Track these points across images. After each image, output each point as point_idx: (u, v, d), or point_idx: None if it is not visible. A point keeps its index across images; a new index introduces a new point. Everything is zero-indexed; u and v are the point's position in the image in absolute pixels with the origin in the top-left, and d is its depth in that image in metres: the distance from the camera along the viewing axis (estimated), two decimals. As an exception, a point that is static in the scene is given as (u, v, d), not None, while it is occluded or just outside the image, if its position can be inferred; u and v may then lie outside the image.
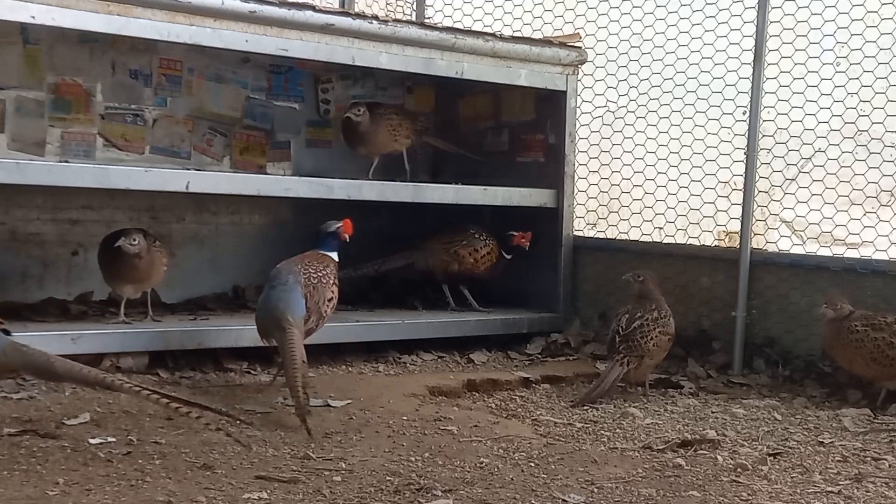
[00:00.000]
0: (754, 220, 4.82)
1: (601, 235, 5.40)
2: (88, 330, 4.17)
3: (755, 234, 4.84)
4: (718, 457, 3.41)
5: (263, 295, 4.06)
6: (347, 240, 4.32)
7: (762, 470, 3.29)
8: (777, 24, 4.77)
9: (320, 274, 4.08)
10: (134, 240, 4.25)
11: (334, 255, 4.24)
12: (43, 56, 4.76)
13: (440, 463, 3.26)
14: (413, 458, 3.28)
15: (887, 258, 4.52)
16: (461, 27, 5.43)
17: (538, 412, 4.03)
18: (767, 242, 4.86)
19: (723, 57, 4.98)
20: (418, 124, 5.51)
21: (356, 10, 5.69)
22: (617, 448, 3.54)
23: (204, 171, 4.95)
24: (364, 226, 5.60)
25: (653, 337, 4.28)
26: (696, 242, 5.07)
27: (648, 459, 3.40)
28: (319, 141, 5.60)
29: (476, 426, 3.72)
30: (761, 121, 4.78)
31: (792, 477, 3.25)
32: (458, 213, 5.23)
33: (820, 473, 3.30)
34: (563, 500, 2.95)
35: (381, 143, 5.21)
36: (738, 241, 4.84)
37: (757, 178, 4.79)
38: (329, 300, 4.08)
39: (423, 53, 4.85)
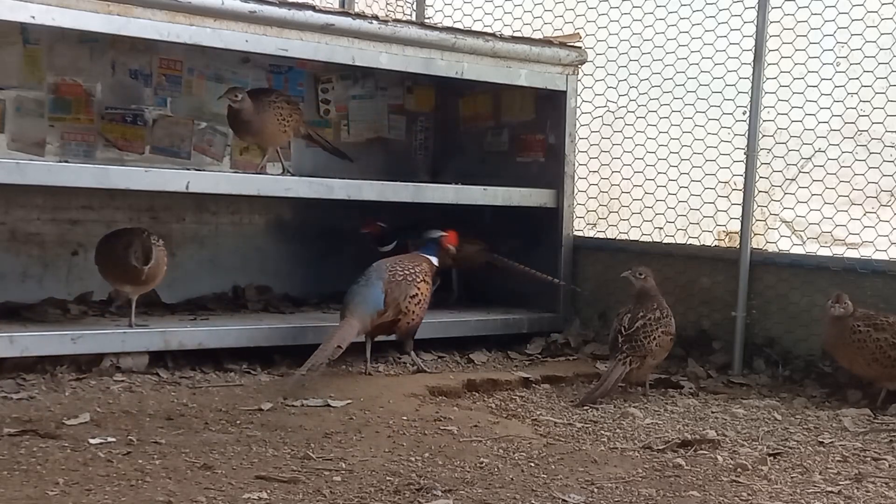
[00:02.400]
0: (754, 220, 4.82)
1: (601, 235, 5.40)
2: (88, 330, 4.17)
3: (755, 234, 4.84)
4: (718, 457, 3.41)
5: (348, 290, 4.42)
6: (452, 250, 4.72)
7: (762, 470, 3.29)
8: (777, 24, 4.77)
9: (407, 272, 4.43)
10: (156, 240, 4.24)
11: (434, 259, 4.60)
12: (43, 56, 4.76)
13: (440, 463, 3.26)
14: (413, 458, 3.28)
15: (887, 258, 4.52)
16: (461, 27, 5.43)
17: (538, 412, 4.03)
18: (767, 242, 4.86)
19: (723, 57, 4.98)
20: (306, 116, 5.35)
21: (356, 10, 5.69)
22: (617, 448, 3.54)
23: (204, 171, 4.96)
24: (363, 225, 5.63)
25: (655, 337, 4.27)
26: (696, 242, 5.07)
27: (648, 459, 3.40)
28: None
29: (476, 426, 3.72)
30: (761, 121, 4.78)
31: (792, 477, 3.25)
32: (459, 213, 5.23)
33: (820, 473, 3.30)
34: (563, 500, 2.95)
35: (271, 134, 4.83)
36: (738, 241, 4.84)
37: (757, 178, 4.79)
38: (413, 297, 4.40)
39: (423, 53, 4.85)
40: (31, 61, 4.74)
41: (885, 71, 4.54)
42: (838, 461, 3.45)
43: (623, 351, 4.24)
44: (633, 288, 4.46)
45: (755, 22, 4.78)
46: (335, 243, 5.54)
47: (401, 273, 4.42)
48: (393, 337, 4.52)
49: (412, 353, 4.55)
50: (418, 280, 4.44)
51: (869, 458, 3.48)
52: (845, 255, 4.60)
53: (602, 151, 5.40)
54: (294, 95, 5.23)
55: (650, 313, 4.32)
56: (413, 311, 4.42)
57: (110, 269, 4.30)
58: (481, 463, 3.27)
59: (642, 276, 4.44)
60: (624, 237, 5.32)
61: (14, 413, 3.53)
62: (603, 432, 3.75)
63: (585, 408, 4.09)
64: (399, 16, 6.05)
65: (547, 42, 5.25)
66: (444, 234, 4.68)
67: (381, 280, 4.37)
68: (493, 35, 5.12)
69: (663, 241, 5.18)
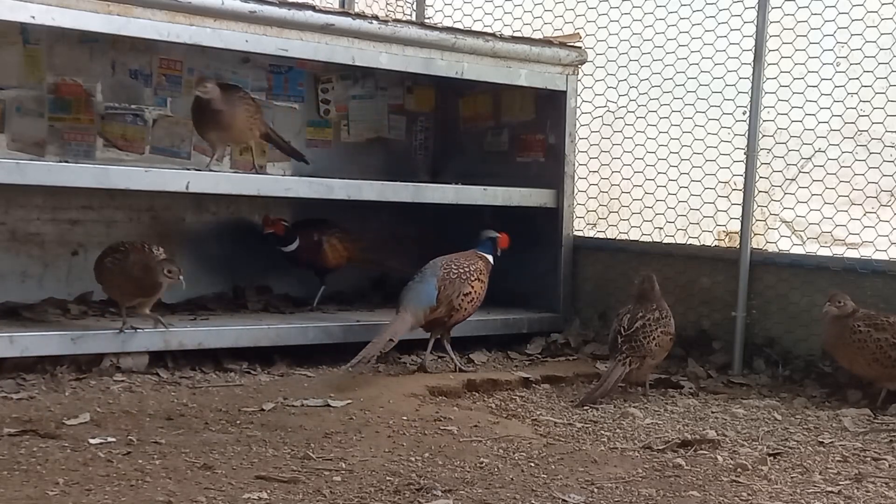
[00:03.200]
0: (754, 220, 4.82)
1: (601, 235, 5.40)
2: (88, 330, 4.17)
3: (755, 234, 4.83)
4: (718, 457, 3.41)
5: (404, 287, 4.54)
6: (499, 254, 4.75)
7: (762, 470, 3.29)
8: (777, 24, 4.77)
9: (462, 270, 4.55)
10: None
11: (489, 257, 4.68)
12: (43, 56, 4.76)
13: (440, 463, 3.26)
14: (413, 458, 3.28)
15: (887, 258, 4.52)
16: (461, 27, 5.43)
17: (538, 412, 4.03)
18: (767, 242, 4.86)
19: (723, 57, 4.97)
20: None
21: (356, 10, 5.69)
22: (617, 448, 3.54)
23: (204, 171, 4.95)
24: (363, 226, 5.63)
25: (655, 337, 4.27)
26: (696, 242, 5.07)
27: (648, 459, 3.40)
28: (319, 141, 5.60)
29: (476, 426, 3.72)
30: (761, 121, 4.78)
31: (792, 477, 3.25)
32: (459, 213, 5.23)
33: (820, 473, 3.30)
34: (563, 500, 2.95)
35: (238, 130, 4.72)
36: (738, 241, 4.84)
37: (757, 178, 4.79)
38: (466, 294, 4.52)
39: (423, 53, 4.85)
40: (31, 61, 4.74)
41: (885, 71, 4.54)
42: (838, 461, 3.45)
43: (622, 351, 4.24)
44: (633, 290, 4.46)
45: (755, 22, 4.78)
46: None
47: (455, 271, 4.53)
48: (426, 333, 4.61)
49: (451, 347, 4.63)
50: (472, 278, 4.56)
51: (869, 458, 3.48)
52: (845, 255, 4.60)
53: (602, 151, 5.40)
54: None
55: (649, 314, 4.32)
56: (465, 309, 4.54)
57: (123, 285, 4.22)
58: (481, 463, 3.27)
59: (642, 282, 4.44)
60: (624, 237, 5.32)
61: (14, 413, 3.53)
62: (603, 432, 3.75)
63: (585, 408, 4.09)
64: (399, 16, 6.05)
65: (547, 42, 5.25)
66: (498, 235, 4.76)
67: (435, 277, 4.50)
68: (493, 35, 5.12)
69: (663, 241, 5.18)
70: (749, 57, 4.81)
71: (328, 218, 5.19)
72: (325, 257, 5.13)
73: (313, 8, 4.52)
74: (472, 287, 4.55)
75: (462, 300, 4.51)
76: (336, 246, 5.15)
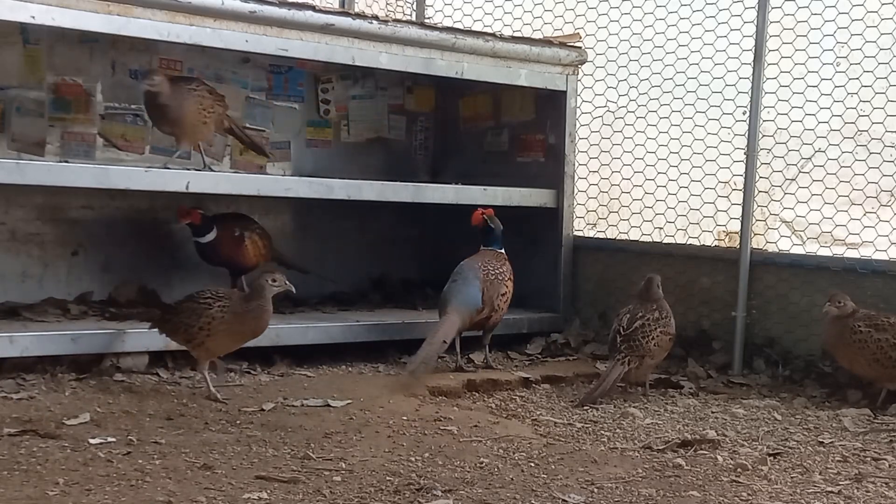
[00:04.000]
0: (754, 220, 4.82)
1: (601, 235, 5.40)
2: (88, 330, 4.17)
3: (755, 234, 4.84)
4: (718, 457, 3.41)
5: (445, 288, 4.60)
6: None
7: (762, 470, 3.29)
8: (777, 24, 4.77)
9: (498, 271, 4.64)
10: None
11: (503, 252, 4.77)
12: (43, 56, 4.76)
13: (440, 463, 3.26)
14: (413, 458, 3.28)
15: (887, 258, 4.52)
16: (461, 27, 5.43)
17: (538, 412, 4.03)
18: (767, 242, 4.87)
19: (723, 57, 4.98)
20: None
21: (356, 10, 5.69)
22: (617, 448, 3.54)
23: (204, 171, 4.95)
24: (363, 226, 5.64)
25: (654, 337, 4.27)
26: (696, 242, 5.07)
27: (648, 459, 3.40)
28: (319, 141, 5.60)
29: (476, 426, 3.72)
30: (761, 121, 4.78)
31: (792, 477, 3.26)
32: (458, 214, 5.23)
33: (820, 473, 3.30)
34: (563, 500, 2.95)
35: (190, 124, 4.50)
36: (738, 241, 4.84)
37: (757, 178, 4.79)
38: (502, 294, 4.62)
39: (423, 53, 4.85)
40: (31, 61, 4.73)
41: (885, 71, 4.54)
42: (838, 461, 3.45)
43: (621, 351, 4.25)
44: (635, 289, 4.45)
45: (755, 22, 4.78)
46: (335, 243, 5.55)
47: (493, 272, 4.62)
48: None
49: (487, 347, 4.72)
50: (506, 279, 4.66)
51: (869, 458, 3.48)
52: (845, 255, 4.60)
53: (602, 151, 5.41)
54: (215, 89, 4.77)
55: (649, 314, 4.32)
56: (501, 309, 4.64)
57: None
58: (481, 463, 3.27)
59: (644, 282, 4.43)
60: (624, 237, 5.32)
61: (14, 413, 3.53)
62: (603, 432, 3.75)
63: (585, 408, 4.10)
64: (399, 16, 6.05)
65: (547, 42, 5.25)
66: (501, 227, 4.83)
67: (478, 279, 4.57)
68: (493, 35, 5.12)
69: (663, 241, 5.18)
70: (749, 57, 4.81)
71: (247, 214, 5.00)
72: (245, 254, 4.82)
73: (313, 8, 4.52)
74: (507, 287, 4.65)
75: (500, 301, 4.61)
76: (257, 243, 4.86)
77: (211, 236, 4.74)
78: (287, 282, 3.98)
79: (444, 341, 4.36)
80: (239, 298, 3.95)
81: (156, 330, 4.02)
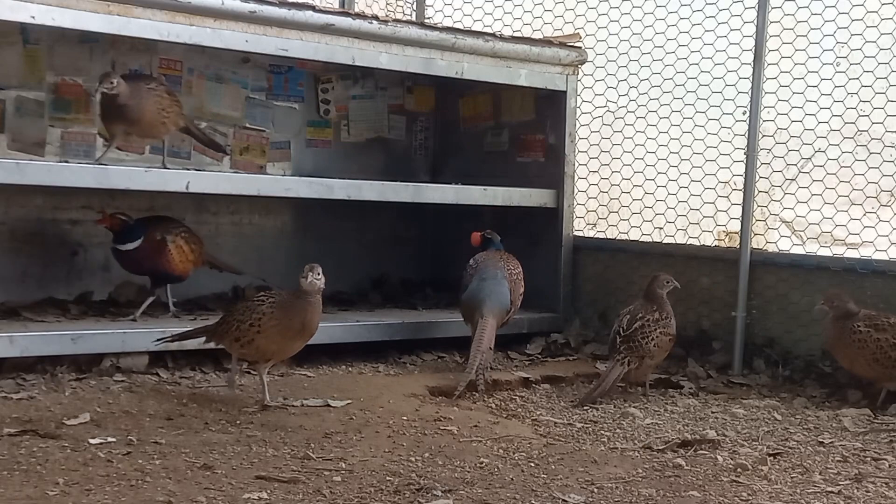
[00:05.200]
0: (754, 220, 4.82)
1: (601, 235, 5.40)
2: (88, 330, 4.17)
3: (755, 234, 4.84)
4: (718, 457, 3.41)
5: (475, 285, 4.60)
6: None
7: (762, 470, 3.29)
8: (777, 24, 4.77)
9: (517, 270, 4.72)
10: None
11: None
12: (43, 56, 4.76)
13: (440, 463, 3.26)
14: (413, 458, 3.28)
15: (887, 258, 4.52)
16: (461, 27, 5.43)
17: (538, 412, 4.03)
18: (767, 242, 4.87)
19: (723, 57, 4.98)
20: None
21: (356, 10, 5.69)
22: (617, 448, 3.54)
23: (204, 171, 4.95)
24: (363, 226, 5.64)
25: (654, 337, 4.27)
26: (696, 242, 5.07)
27: (648, 459, 3.40)
28: (319, 141, 5.60)
29: (476, 426, 3.72)
30: (761, 121, 4.78)
31: (792, 477, 3.25)
32: (458, 214, 5.24)
33: (820, 473, 3.30)
34: (563, 500, 2.95)
35: (149, 123, 4.42)
36: (738, 241, 4.84)
37: (757, 178, 4.79)
38: (521, 294, 4.69)
39: (423, 53, 4.85)
40: (31, 61, 4.73)
41: (885, 71, 4.54)
42: (838, 461, 3.45)
43: (621, 351, 4.25)
44: (656, 290, 4.40)
45: (755, 22, 4.78)
46: (335, 243, 5.55)
47: (514, 271, 4.71)
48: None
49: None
50: (520, 278, 4.73)
51: (869, 458, 3.48)
52: (845, 255, 4.60)
53: (602, 151, 5.41)
54: (171, 88, 4.72)
55: (649, 314, 4.32)
56: (518, 307, 4.69)
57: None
58: (481, 463, 3.27)
59: (668, 283, 4.42)
60: (624, 237, 5.32)
61: (14, 413, 3.53)
62: (603, 432, 3.75)
63: (585, 408, 4.10)
64: (399, 16, 6.05)
65: (547, 42, 5.25)
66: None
67: (506, 279, 4.63)
68: (493, 35, 5.12)
69: (663, 241, 5.18)
70: (749, 57, 4.81)
71: (171, 216, 4.81)
72: (171, 261, 4.57)
73: (313, 8, 4.52)
74: (523, 286, 4.72)
75: (519, 300, 4.68)
76: (182, 248, 4.61)
77: (135, 244, 4.50)
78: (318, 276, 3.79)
79: (490, 347, 4.41)
80: (288, 294, 3.89)
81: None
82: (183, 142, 5.12)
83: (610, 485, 3.10)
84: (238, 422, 3.60)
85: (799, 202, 4.76)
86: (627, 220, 5.32)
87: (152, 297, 4.59)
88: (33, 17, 3.91)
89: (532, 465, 3.29)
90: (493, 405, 4.14)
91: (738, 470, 3.28)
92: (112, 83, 4.25)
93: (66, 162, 4.64)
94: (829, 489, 3.13)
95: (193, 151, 5.15)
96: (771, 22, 4.76)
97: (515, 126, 5.60)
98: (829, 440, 3.70)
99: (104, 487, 2.85)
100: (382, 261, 5.75)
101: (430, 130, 5.97)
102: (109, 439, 3.29)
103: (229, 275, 5.20)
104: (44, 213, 4.80)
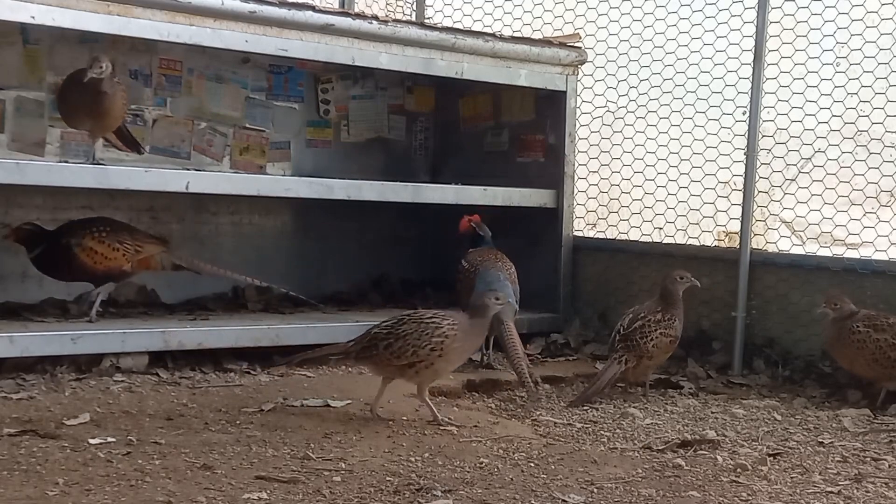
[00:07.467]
0: (754, 221, 4.82)
1: (601, 235, 5.40)
2: (88, 330, 4.17)
3: (755, 235, 4.84)
4: (718, 457, 3.41)
5: (483, 290, 4.38)
6: None
7: (762, 470, 3.29)
8: (777, 24, 4.77)
9: (513, 270, 4.70)
10: None
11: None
12: (43, 56, 4.76)
13: (440, 463, 3.26)
14: (413, 458, 3.28)
15: (887, 258, 4.52)
16: (461, 27, 5.43)
17: (538, 412, 4.03)
18: (767, 242, 4.87)
19: (723, 57, 4.98)
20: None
21: (356, 10, 5.70)
22: (617, 448, 3.54)
23: (204, 171, 4.96)
24: (363, 226, 5.63)
25: (653, 338, 4.26)
26: (696, 242, 5.07)
27: (648, 459, 3.40)
28: (319, 141, 5.60)
29: (476, 426, 3.72)
30: (761, 121, 4.79)
31: (792, 477, 3.25)
32: (458, 214, 5.23)
33: (820, 473, 3.30)
34: (563, 500, 2.95)
35: (115, 116, 4.38)
36: (738, 242, 4.84)
37: (757, 178, 4.80)
38: (517, 292, 4.64)
39: (423, 53, 4.85)
40: (31, 61, 4.74)
41: (885, 71, 4.54)
42: (838, 461, 3.45)
43: (618, 350, 4.25)
44: (668, 289, 4.39)
45: (755, 22, 4.78)
46: (335, 243, 5.55)
47: (512, 273, 4.69)
48: None
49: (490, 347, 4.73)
50: (516, 277, 4.70)
51: (869, 459, 3.48)
52: (845, 256, 4.60)
53: (602, 151, 5.41)
54: None
55: (651, 315, 4.31)
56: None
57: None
58: (481, 463, 3.27)
59: (682, 280, 4.41)
60: (624, 237, 5.32)
61: (14, 413, 3.53)
62: (603, 432, 3.75)
63: (585, 408, 4.09)
64: (399, 16, 6.05)
65: (547, 42, 5.26)
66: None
67: (508, 280, 4.62)
68: (492, 35, 5.12)
69: (663, 241, 5.18)
70: (749, 57, 4.81)
71: (105, 216, 4.65)
72: (82, 263, 4.39)
73: (313, 8, 4.52)
74: (518, 287, 4.69)
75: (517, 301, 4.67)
76: (95, 249, 4.40)
77: (35, 252, 4.41)
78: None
79: (527, 353, 4.44)
80: (464, 316, 3.81)
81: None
82: (183, 142, 5.12)
83: (610, 485, 3.10)
84: (238, 422, 3.60)
85: (799, 202, 4.76)
86: (627, 220, 5.33)
87: (103, 297, 4.46)
88: (33, 17, 3.91)
89: (532, 465, 3.29)
90: (493, 405, 4.14)
91: (738, 470, 3.28)
92: (102, 67, 4.15)
93: (66, 162, 4.64)
94: (829, 489, 3.13)
95: (193, 151, 5.15)
96: (771, 22, 4.76)
97: (515, 126, 5.61)
98: (829, 440, 3.70)
99: (104, 487, 2.85)
100: (382, 261, 5.75)
101: (430, 130, 5.97)
102: (109, 439, 3.29)
103: (229, 276, 5.20)
104: (44, 213, 4.80)
